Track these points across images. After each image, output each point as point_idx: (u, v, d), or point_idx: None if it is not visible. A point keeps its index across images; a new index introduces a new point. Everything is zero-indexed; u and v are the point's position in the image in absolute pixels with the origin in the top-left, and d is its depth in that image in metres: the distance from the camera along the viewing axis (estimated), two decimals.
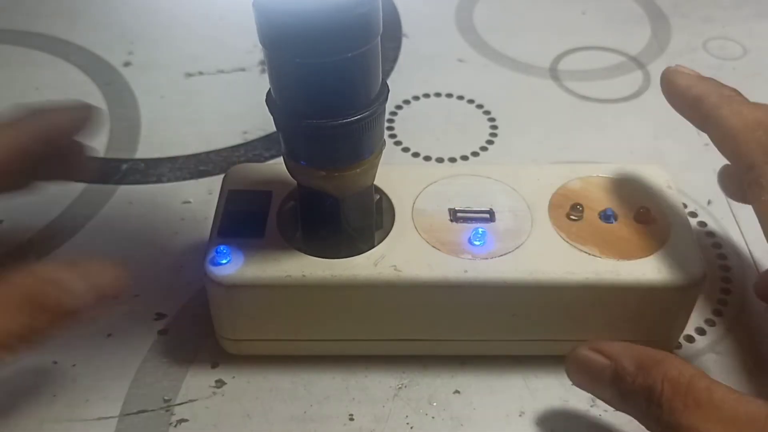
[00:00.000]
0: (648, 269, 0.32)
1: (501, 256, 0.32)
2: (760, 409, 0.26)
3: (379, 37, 0.28)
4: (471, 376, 0.35)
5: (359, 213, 0.33)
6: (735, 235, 0.41)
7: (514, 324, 0.33)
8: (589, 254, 0.32)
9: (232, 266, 0.32)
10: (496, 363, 0.35)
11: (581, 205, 0.34)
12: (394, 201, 0.35)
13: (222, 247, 0.32)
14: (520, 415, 0.33)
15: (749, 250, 0.40)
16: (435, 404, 0.34)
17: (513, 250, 0.33)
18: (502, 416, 0.33)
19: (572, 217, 0.34)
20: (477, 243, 0.33)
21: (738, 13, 0.59)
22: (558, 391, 0.34)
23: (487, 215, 0.34)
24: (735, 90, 0.33)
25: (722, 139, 0.31)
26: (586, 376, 0.30)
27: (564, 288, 0.32)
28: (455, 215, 0.34)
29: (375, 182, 0.33)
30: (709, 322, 0.37)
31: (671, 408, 0.26)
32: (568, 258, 0.32)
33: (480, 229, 0.33)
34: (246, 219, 0.34)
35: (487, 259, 0.32)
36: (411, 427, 0.33)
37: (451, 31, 0.57)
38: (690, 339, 0.36)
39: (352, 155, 0.30)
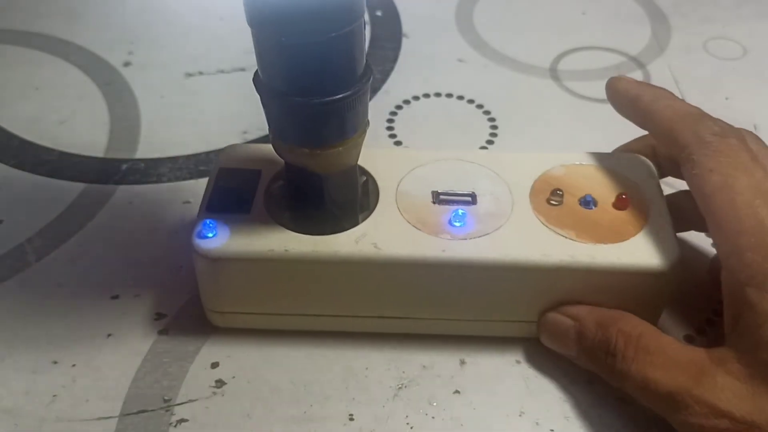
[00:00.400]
0: (623, 253, 0.33)
1: (479, 237, 0.33)
2: (699, 354, 0.30)
3: (363, 19, 0.29)
4: (471, 376, 0.35)
5: (342, 191, 0.34)
6: None
7: (492, 305, 0.34)
8: (566, 238, 0.33)
9: (218, 240, 0.33)
10: (496, 363, 0.35)
11: (561, 191, 0.35)
12: (379, 183, 0.36)
13: (209, 221, 0.33)
14: (520, 415, 0.33)
15: None
16: (435, 404, 0.34)
17: (491, 232, 0.33)
18: (502, 416, 0.33)
19: (552, 202, 0.35)
20: (457, 224, 0.33)
21: (738, 13, 0.59)
22: (558, 392, 0.34)
23: (469, 198, 0.35)
24: (666, 89, 0.36)
25: (659, 129, 0.34)
26: (555, 337, 0.34)
27: (539, 270, 0.33)
28: (438, 197, 0.35)
29: (363, 165, 0.35)
30: (709, 322, 0.37)
31: (624, 357, 0.31)
32: (545, 241, 0.33)
33: (460, 211, 0.34)
34: (234, 195, 0.35)
35: (465, 239, 0.33)
36: (411, 427, 0.33)
37: (451, 31, 0.57)
38: (690, 339, 0.36)
39: (335, 134, 0.31)
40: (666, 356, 0.30)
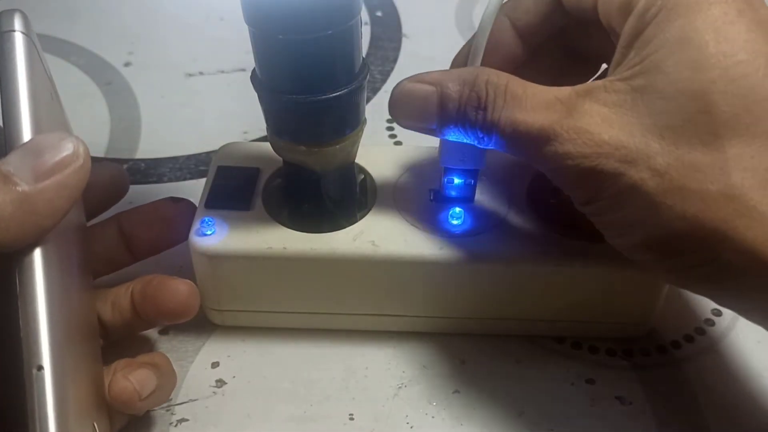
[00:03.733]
0: (619, 252, 0.32)
1: (476, 235, 0.33)
2: (565, 90, 0.28)
3: (360, 16, 0.29)
4: (471, 376, 0.35)
5: (340, 189, 0.34)
6: None
7: (490, 303, 0.34)
8: (563, 236, 0.33)
9: (216, 237, 0.33)
10: (496, 363, 0.35)
11: (558, 188, 0.35)
12: (378, 181, 0.36)
13: (207, 219, 0.33)
14: (520, 415, 0.33)
15: None
16: (435, 404, 0.34)
17: (489, 230, 0.33)
18: (502, 416, 0.33)
19: (550, 200, 0.35)
20: (454, 222, 0.34)
21: None
22: (558, 392, 0.34)
23: (467, 196, 0.35)
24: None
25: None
26: (412, 110, 0.31)
27: (535, 267, 0.33)
28: (435, 196, 0.35)
29: (360, 163, 0.35)
30: (709, 322, 0.37)
31: (494, 107, 0.29)
32: (541, 239, 0.33)
33: (457, 209, 0.34)
34: (233, 193, 0.35)
35: (462, 237, 0.33)
36: (411, 427, 0.33)
37: (451, 31, 0.57)
38: (690, 339, 0.36)
39: (332, 132, 0.31)
40: (534, 98, 0.28)
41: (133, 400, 0.29)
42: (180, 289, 0.32)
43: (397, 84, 0.31)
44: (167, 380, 0.31)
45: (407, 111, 0.31)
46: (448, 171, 0.34)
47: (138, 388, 0.29)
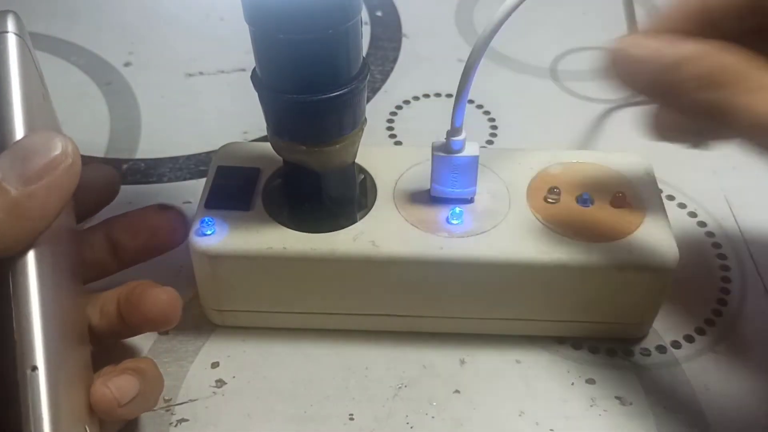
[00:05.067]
0: (620, 251, 0.33)
1: (476, 235, 0.33)
2: None
3: (360, 16, 0.29)
4: (471, 376, 0.35)
5: (340, 189, 0.34)
6: (735, 235, 0.41)
7: (490, 303, 0.34)
8: (563, 236, 0.33)
9: (216, 237, 0.33)
10: (496, 363, 0.35)
11: (558, 189, 0.35)
12: (377, 181, 0.36)
13: (207, 219, 0.33)
14: (520, 415, 0.33)
15: (749, 250, 0.40)
16: (435, 404, 0.34)
17: (489, 230, 0.33)
18: (502, 416, 0.33)
19: (549, 200, 0.35)
20: (454, 222, 0.34)
21: None
22: (558, 391, 0.34)
23: (467, 196, 0.35)
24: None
25: None
26: (632, 74, 0.30)
27: (536, 268, 0.33)
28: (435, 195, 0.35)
29: (361, 163, 0.35)
30: (709, 322, 0.37)
31: (735, 90, 0.26)
32: (542, 239, 0.33)
33: (457, 209, 0.34)
34: (233, 193, 0.35)
35: (462, 237, 0.33)
36: (411, 427, 0.33)
37: (451, 31, 0.57)
38: (690, 339, 0.36)
39: (332, 131, 0.31)
40: None
41: (112, 408, 0.28)
42: (160, 297, 0.31)
43: (620, 41, 0.29)
44: (152, 386, 0.30)
45: (626, 75, 0.30)
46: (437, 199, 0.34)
47: (117, 396, 0.28)
